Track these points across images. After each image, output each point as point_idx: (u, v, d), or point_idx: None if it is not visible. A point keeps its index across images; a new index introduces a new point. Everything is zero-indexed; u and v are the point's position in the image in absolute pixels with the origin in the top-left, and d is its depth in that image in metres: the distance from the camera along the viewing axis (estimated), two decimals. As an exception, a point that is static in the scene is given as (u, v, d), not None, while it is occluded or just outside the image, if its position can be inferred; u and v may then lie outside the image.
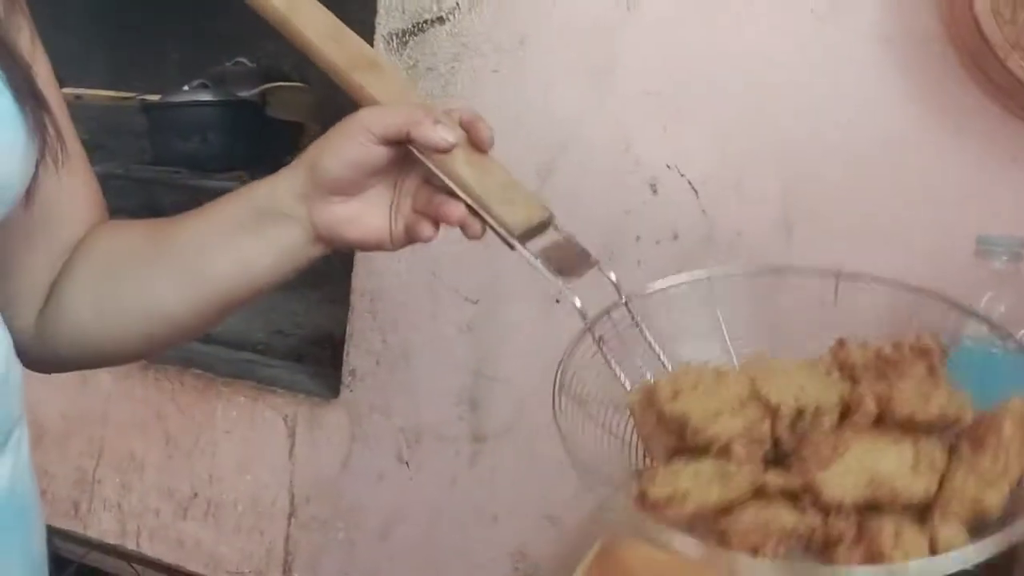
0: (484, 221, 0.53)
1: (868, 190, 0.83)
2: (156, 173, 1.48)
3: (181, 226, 0.58)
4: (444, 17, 0.96)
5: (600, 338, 0.51)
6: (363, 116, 0.53)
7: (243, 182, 1.47)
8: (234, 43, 1.93)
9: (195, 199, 1.80)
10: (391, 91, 0.56)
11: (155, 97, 1.55)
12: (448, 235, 0.99)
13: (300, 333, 1.35)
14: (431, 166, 0.52)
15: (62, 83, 1.66)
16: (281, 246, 0.56)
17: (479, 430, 1.00)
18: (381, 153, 0.53)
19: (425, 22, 0.97)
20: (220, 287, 0.57)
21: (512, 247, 0.52)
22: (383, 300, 1.02)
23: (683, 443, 0.46)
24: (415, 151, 0.52)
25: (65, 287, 0.58)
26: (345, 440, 1.05)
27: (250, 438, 1.10)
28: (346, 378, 1.04)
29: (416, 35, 0.98)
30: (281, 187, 0.56)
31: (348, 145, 0.53)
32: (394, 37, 0.98)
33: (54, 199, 0.57)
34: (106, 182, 1.66)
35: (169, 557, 1.16)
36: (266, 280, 0.57)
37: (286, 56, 2.00)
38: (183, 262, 0.57)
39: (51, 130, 0.52)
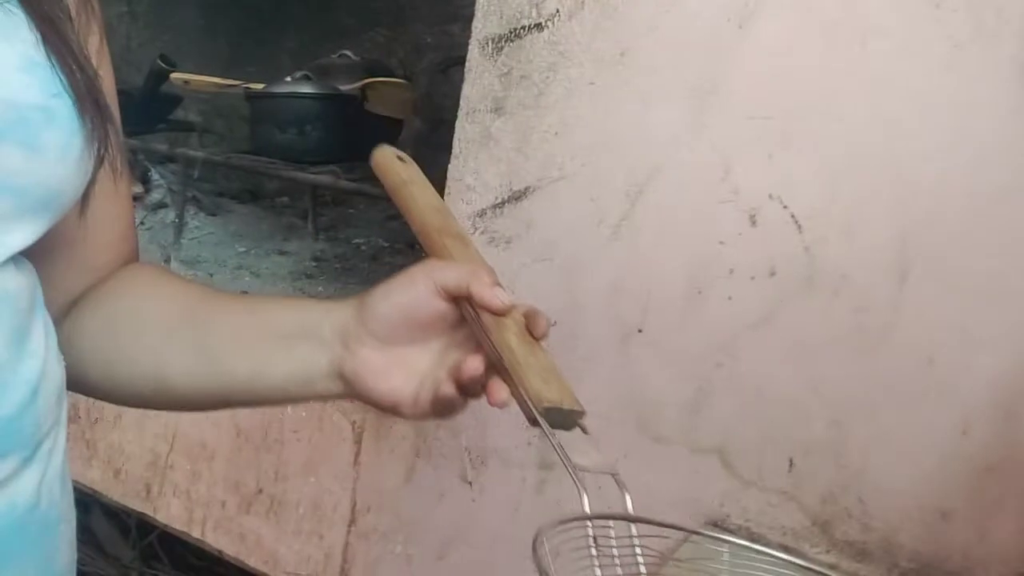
0: (513, 390, 0.51)
1: (995, 241, 0.74)
2: (253, 163, 1.49)
3: (225, 311, 0.57)
4: (543, 24, 0.92)
5: (594, 538, 0.46)
6: (429, 264, 0.53)
7: (337, 176, 1.48)
8: (342, 35, 1.94)
9: (294, 188, 1.82)
10: (468, 259, 0.56)
11: (259, 86, 1.56)
12: (517, 253, 0.95)
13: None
14: (480, 327, 0.51)
15: (176, 68, 1.69)
16: (302, 369, 0.54)
17: (547, 458, 0.95)
18: (435, 306, 0.52)
19: (523, 28, 0.93)
20: (228, 383, 0.56)
21: (534, 422, 0.49)
22: (458, 314, 0.98)
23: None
24: (468, 311, 0.52)
25: (80, 326, 0.57)
26: (409, 454, 1.02)
27: (317, 440, 1.09)
28: (415, 390, 1.01)
29: (512, 41, 0.93)
30: (329, 316, 0.54)
31: (405, 288, 0.52)
32: (489, 42, 0.94)
33: (99, 218, 0.56)
34: (210, 167, 1.68)
35: (231, 549, 1.16)
36: (272, 394, 0.56)
37: (391, 51, 2.01)
38: (207, 347, 0.56)
39: (112, 140, 0.50)
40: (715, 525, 0.86)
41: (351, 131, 1.55)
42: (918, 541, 0.80)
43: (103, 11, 0.57)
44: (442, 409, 0.53)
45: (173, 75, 1.60)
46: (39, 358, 0.48)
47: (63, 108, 0.47)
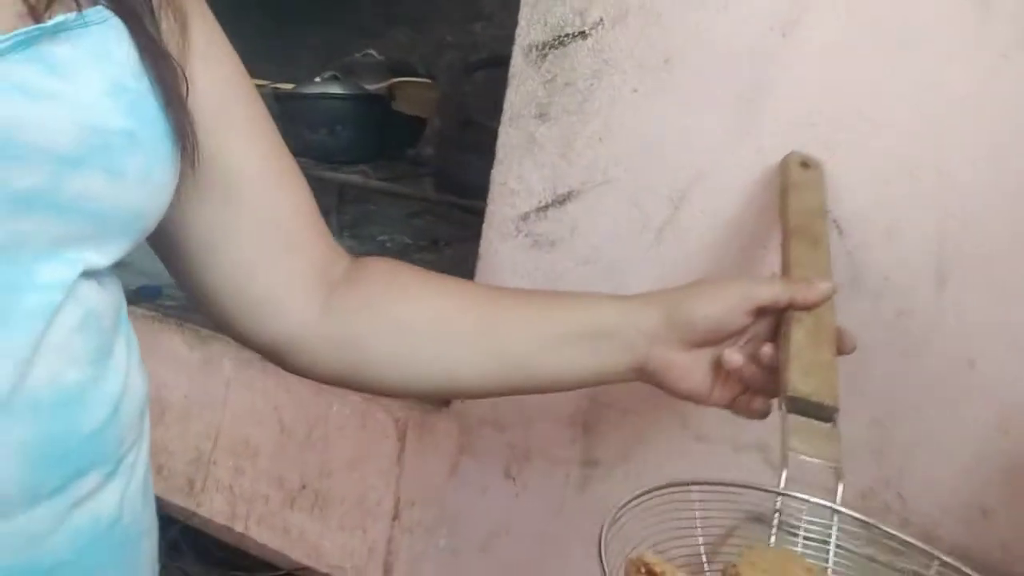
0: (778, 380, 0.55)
1: (1038, 248, 0.77)
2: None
3: (517, 313, 0.60)
4: (587, 32, 0.94)
5: (778, 511, 0.49)
6: (744, 281, 0.61)
7: (367, 176, 1.50)
8: (364, 34, 1.95)
9: (322, 190, 1.84)
10: (806, 263, 0.63)
11: (288, 86, 1.58)
12: (561, 257, 0.97)
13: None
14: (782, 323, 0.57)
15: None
16: (603, 366, 0.59)
17: (591, 455, 0.98)
18: (745, 321, 0.58)
19: (567, 36, 0.95)
20: (521, 377, 0.59)
21: (779, 406, 0.53)
22: (503, 315, 1.01)
23: None
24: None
25: (360, 327, 0.59)
26: (453, 450, 1.05)
27: (361, 437, 1.11)
28: (459, 389, 1.04)
29: (556, 48, 0.95)
30: (632, 317, 0.58)
31: (720, 302, 0.58)
32: (533, 49, 0.96)
33: (260, 195, 0.57)
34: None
35: (274, 544, 1.19)
36: (561, 384, 0.60)
37: (413, 50, 2.02)
38: (504, 352, 0.59)
39: (191, 138, 0.52)
40: (758, 520, 0.89)
41: (379, 131, 1.57)
42: (957, 536, 0.83)
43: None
44: (739, 407, 0.60)
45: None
46: (121, 373, 0.49)
47: (147, 131, 0.47)
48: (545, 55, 0.96)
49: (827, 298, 0.59)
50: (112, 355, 0.49)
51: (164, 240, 0.55)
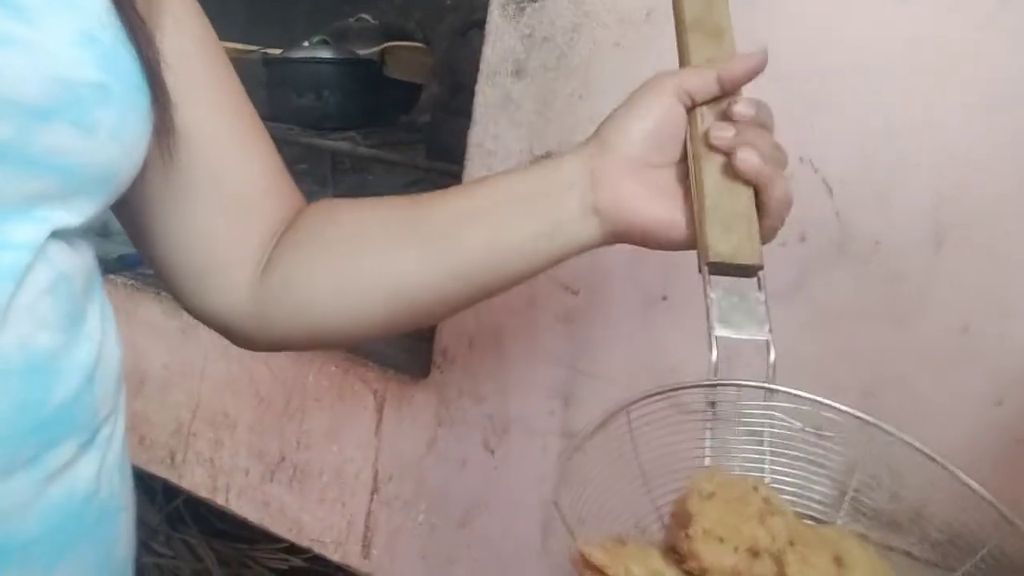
0: (696, 232, 0.48)
1: (1038, 206, 0.72)
2: (270, 128, 1.47)
3: (439, 201, 0.54)
4: (566, -17, 0.89)
5: (712, 403, 0.44)
6: (673, 79, 0.52)
7: (355, 143, 1.46)
8: (360, -2, 1.91)
9: (313, 155, 1.81)
10: (707, 58, 0.54)
11: (277, 51, 1.55)
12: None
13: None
14: (691, 156, 0.49)
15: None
16: (549, 219, 0.51)
17: (570, 427, 0.95)
18: (684, 122, 0.51)
19: (545, -12, 0.90)
20: (468, 262, 0.52)
21: (699, 269, 0.47)
22: (480, 282, 0.97)
23: (677, 539, 0.41)
24: (687, 136, 0.50)
25: (294, 265, 0.55)
26: (432, 422, 1.02)
27: (338, 409, 1.08)
28: (437, 358, 1.00)
29: (535, 1, 0.91)
30: (566, 163, 0.52)
31: (655, 99, 0.52)
32: (511, 3, 0.92)
33: (222, 161, 0.54)
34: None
35: (254, 517, 1.17)
36: (517, 262, 0.52)
37: (408, 14, 1.97)
38: (433, 236, 0.53)
39: (171, 116, 0.50)
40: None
41: (370, 96, 1.53)
42: (949, 512, 0.79)
43: None
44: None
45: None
46: (95, 341, 0.47)
47: (120, 85, 0.45)
48: (523, 8, 0.92)
49: (761, 67, 0.52)
50: (85, 321, 0.47)
51: (122, 203, 0.52)
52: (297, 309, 0.56)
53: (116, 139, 0.45)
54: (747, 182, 0.50)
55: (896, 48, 0.76)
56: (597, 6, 0.88)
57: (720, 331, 0.45)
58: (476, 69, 0.96)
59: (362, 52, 1.55)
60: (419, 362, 1.04)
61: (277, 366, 1.11)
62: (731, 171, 0.49)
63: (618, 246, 0.90)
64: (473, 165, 0.96)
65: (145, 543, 1.84)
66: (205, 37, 0.56)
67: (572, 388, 0.93)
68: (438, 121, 1.50)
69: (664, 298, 0.88)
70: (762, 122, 0.51)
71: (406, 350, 1.09)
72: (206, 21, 0.57)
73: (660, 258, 0.89)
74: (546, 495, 0.97)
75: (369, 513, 1.07)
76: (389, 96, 1.60)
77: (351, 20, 1.69)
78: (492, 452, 0.99)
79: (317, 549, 1.12)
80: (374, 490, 1.07)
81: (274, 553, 1.73)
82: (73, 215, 0.45)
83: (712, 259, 0.46)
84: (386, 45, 1.56)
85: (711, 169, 0.48)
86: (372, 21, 1.69)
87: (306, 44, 1.51)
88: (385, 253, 0.54)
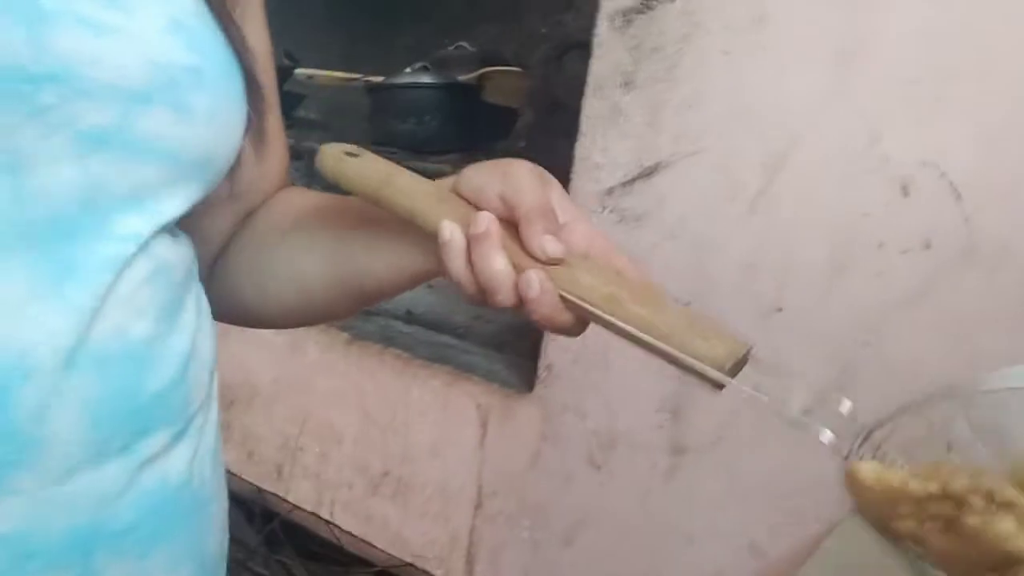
0: (677, 363, 0.43)
1: None
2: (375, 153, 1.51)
3: (361, 217, 0.55)
4: (674, -6, 0.89)
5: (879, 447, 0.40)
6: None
7: (456, 166, 1.48)
8: (457, 28, 1.95)
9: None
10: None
11: (379, 79, 1.59)
12: (647, 232, 0.92)
13: (502, 319, 1.33)
14: (597, 316, 0.43)
15: (300, 64, 1.73)
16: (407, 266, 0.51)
17: (679, 441, 0.92)
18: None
19: (654, 0, 0.91)
20: (349, 271, 0.54)
21: (722, 386, 0.42)
22: (586, 294, 0.97)
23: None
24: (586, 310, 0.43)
25: (232, 248, 0.58)
26: (535, 437, 1.01)
27: (442, 423, 1.09)
28: (542, 373, 1.00)
29: (643, 13, 0.91)
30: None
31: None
32: (618, 16, 0.92)
33: (257, 171, 0.56)
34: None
35: (358, 531, 1.18)
36: (385, 276, 0.52)
37: (505, 43, 2.01)
38: (331, 239, 0.54)
39: (260, 105, 0.50)
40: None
41: (469, 121, 1.55)
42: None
43: None
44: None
45: (297, 70, 1.64)
46: (190, 332, 0.48)
47: (212, 70, 0.45)
48: (630, 21, 0.92)
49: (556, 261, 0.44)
50: (182, 312, 0.48)
51: None
52: (227, 291, 0.58)
53: (211, 122, 0.45)
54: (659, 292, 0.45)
55: (1015, 43, 0.73)
56: (706, 14, 0.88)
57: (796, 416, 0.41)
58: (574, 91, 0.97)
59: (461, 78, 1.57)
60: (523, 377, 1.04)
61: (380, 380, 1.13)
62: (641, 296, 0.44)
63: (728, 256, 0.88)
64: (580, 179, 0.96)
65: (243, 563, 1.87)
66: (268, 51, 0.58)
67: (681, 401, 0.91)
68: (534, 142, 1.51)
69: (780, 309, 0.86)
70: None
71: (510, 365, 1.09)
72: (268, 36, 0.58)
73: (775, 268, 0.87)
74: (654, 513, 0.95)
75: (472, 528, 1.07)
76: (487, 121, 1.62)
77: (450, 48, 1.73)
78: (598, 468, 0.98)
79: (420, 564, 1.12)
80: (478, 505, 1.06)
81: (371, 575, 1.74)
82: (176, 203, 0.45)
83: (732, 367, 0.42)
84: (484, 71, 1.58)
85: (628, 306, 0.43)
86: (470, 49, 1.73)
87: (407, 71, 1.55)
88: (291, 249, 0.55)
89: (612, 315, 0.43)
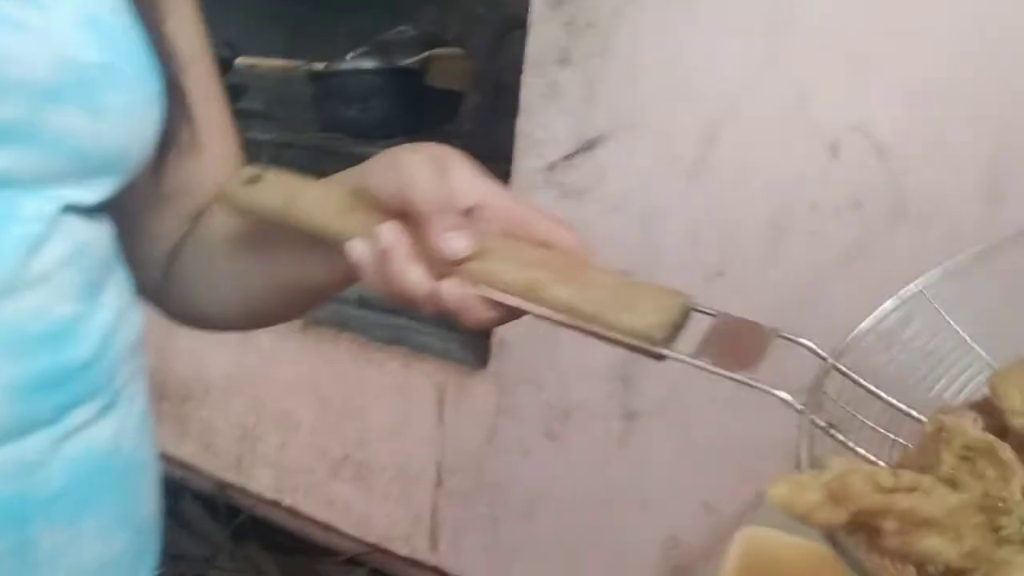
0: (609, 341, 0.41)
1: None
2: (320, 140, 1.51)
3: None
4: (606, -31, 0.90)
5: (829, 425, 0.39)
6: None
7: (402, 149, 1.49)
8: (399, 10, 1.94)
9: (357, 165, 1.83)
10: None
11: (321, 66, 1.58)
12: (589, 205, 0.94)
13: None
14: (521, 307, 0.42)
15: (241, 53, 1.72)
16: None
17: (631, 407, 0.95)
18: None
19: (586, -25, 0.92)
20: (290, 281, 0.53)
21: (661, 357, 0.41)
22: (534, 269, 0.98)
23: None
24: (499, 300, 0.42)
25: (183, 253, 0.57)
26: (492, 412, 1.03)
27: (400, 404, 1.10)
28: (495, 348, 1.01)
29: (576, -11, 0.92)
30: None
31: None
32: (553, -7, 0.93)
33: (192, 171, 0.55)
34: (276, 150, 1.71)
35: (321, 516, 1.18)
36: (326, 280, 0.51)
37: (448, 24, 2.00)
38: (266, 254, 0.53)
39: (184, 101, 0.49)
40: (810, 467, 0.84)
41: (414, 105, 1.55)
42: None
43: None
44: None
45: (239, 60, 1.62)
46: (113, 309, 0.48)
47: (126, 67, 0.45)
48: (564, -2, 0.93)
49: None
50: (104, 290, 0.48)
51: None
52: (181, 299, 0.57)
53: (125, 119, 0.45)
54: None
55: (939, 4, 0.75)
56: (638, -11, 0.89)
57: (751, 375, 0.40)
58: (516, 71, 0.98)
59: (404, 62, 1.57)
60: (478, 354, 1.05)
61: (336, 366, 1.13)
62: (567, 273, 0.42)
63: (670, 225, 0.90)
64: (523, 155, 0.97)
65: (209, 559, 1.87)
66: (203, 48, 0.56)
67: (630, 369, 0.93)
68: (480, 123, 1.51)
69: (721, 274, 0.88)
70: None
71: (464, 344, 1.10)
72: (204, 32, 0.56)
73: (716, 234, 0.89)
74: (611, 481, 0.97)
75: (435, 507, 1.08)
76: (432, 104, 1.62)
77: (392, 32, 1.72)
78: (554, 439, 0.99)
79: (384, 544, 1.13)
80: (438, 483, 1.08)
81: (337, 564, 1.75)
82: (88, 193, 0.45)
83: (664, 336, 0.40)
84: (427, 54, 1.58)
85: (551, 290, 0.41)
86: (412, 32, 1.72)
87: (349, 57, 1.54)
88: (236, 271, 0.54)
89: (535, 303, 0.42)
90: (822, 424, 0.39)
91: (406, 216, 0.42)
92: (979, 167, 0.75)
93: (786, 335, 0.42)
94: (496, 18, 1.88)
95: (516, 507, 1.04)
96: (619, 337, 0.41)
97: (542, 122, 0.95)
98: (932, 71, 0.77)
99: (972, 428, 0.36)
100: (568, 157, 0.94)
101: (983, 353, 0.42)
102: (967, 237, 0.76)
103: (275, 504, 1.23)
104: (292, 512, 1.23)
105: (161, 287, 0.58)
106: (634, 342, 0.40)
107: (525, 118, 0.96)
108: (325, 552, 1.49)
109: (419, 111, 1.59)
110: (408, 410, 1.09)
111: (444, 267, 0.42)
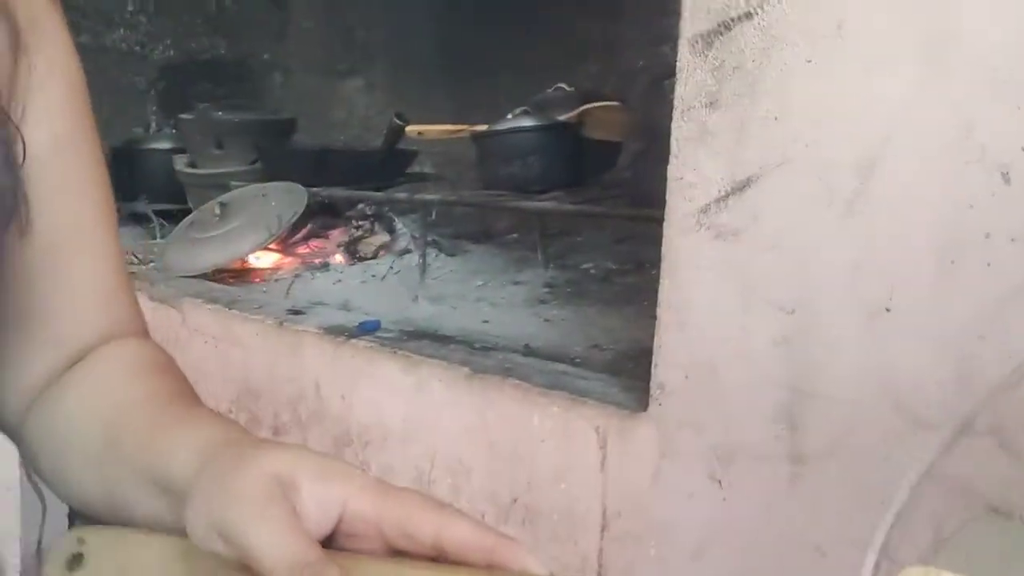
0: None
1: None
2: (484, 198, 1.59)
3: (143, 439, 0.48)
4: (751, 12, 0.91)
5: None
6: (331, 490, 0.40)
7: (560, 202, 1.54)
8: (555, 71, 2.02)
9: (524, 225, 1.93)
10: None
11: (483, 127, 1.67)
12: (745, 246, 0.94)
13: (617, 348, 1.36)
14: None
15: (410, 121, 1.86)
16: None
17: (799, 450, 0.92)
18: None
19: (732, 20, 0.93)
20: (120, 508, 0.48)
21: None
22: (691, 311, 0.98)
23: None
24: None
25: (35, 417, 0.52)
26: (655, 455, 1.03)
27: (563, 448, 1.12)
28: (655, 392, 1.02)
29: (722, 34, 0.94)
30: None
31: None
32: (699, 40, 0.95)
33: (51, 286, 0.51)
34: (445, 208, 1.82)
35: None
36: (147, 519, 0.47)
37: (604, 80, 2.06)
38: (107, 475, 0.49)
39: (26, 200, 0.46)
40: (995, 511, 0.79)
41: (572, 158, 1.61)
42: None
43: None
44: None
45: (408, 128, 1.74)
46: None
47: None
48: (711, 43, 0.95)
49: None
50: None
51: None
52: (35, 464, 0.54)
53: None
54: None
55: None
56: (785, 27, 0.89)
57: None
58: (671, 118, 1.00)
59: (560, 117, 1.63)
60: (638, 397, 1.06)
61: (503, 410, 1.18)
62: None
63: (829, 263, 0.89)
64: (675, 198, 0.98)
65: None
66: (76, 135, 0.51)
67: (797, 410, 0.91)
68: (638, 172, 1.54)
69: (888, 309, 0.85)
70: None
71: (624, 388, 1.11)
72: (80, 79, 0.52)
73: (880, 269, 0.86)
74: (778, 524, 0.95)
75: (601, 550, 1.09)
76: (590, 156, 1.67)
77: (549, 90, 1.79)
78: (719, 483, 0.98)
79: (553, 589, 1.15)
80: (604, 527, 1.09)
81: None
82: None
83: None
84: (583, 108, 1.64)
85: None
86: (569, 89, 1.79)
87: (509, 116, 1.62)
88: (88, 456, 0.50)
89: None
90: None
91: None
92: None
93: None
94: (656, 68, 1.91)
95: (684, 549, 1.03)
96: None
97: (693, 165, 0.96)
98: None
99: None
100: (720, 199, 0.95)
101: None
102: None
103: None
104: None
105: (15, 433, 0.54)
106: None
107: (676, 162, 0.98)
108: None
109: (578, 164, 1.65)
110: (571, 454, 1.11)
111: None
